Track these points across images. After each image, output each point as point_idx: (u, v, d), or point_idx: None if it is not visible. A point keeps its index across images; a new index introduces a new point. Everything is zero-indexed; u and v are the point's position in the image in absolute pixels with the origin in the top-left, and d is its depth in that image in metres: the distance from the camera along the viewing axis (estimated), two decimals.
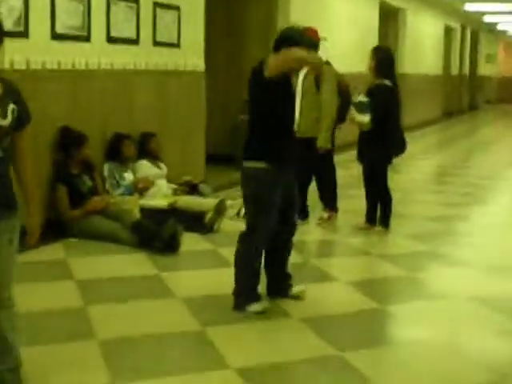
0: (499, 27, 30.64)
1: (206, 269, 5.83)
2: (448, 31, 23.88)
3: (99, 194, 6.80)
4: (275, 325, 4.60)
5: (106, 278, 5.50)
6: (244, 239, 4.79)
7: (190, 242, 6.44)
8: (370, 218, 7.13)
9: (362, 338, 4.42)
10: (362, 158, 7.02)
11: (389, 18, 17.96)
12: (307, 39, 4.74)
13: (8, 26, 5.97)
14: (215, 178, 9.13)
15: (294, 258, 5.98)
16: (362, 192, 7.19)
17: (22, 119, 3.31)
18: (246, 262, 4.79)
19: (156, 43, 8.04)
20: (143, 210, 6.85)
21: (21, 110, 3.29)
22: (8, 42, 6.05)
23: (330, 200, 7.42)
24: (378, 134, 6.73)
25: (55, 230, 6.55)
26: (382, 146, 6.80)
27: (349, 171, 10.04)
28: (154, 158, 7.71)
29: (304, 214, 7.21)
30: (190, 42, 8.71)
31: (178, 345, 4.23)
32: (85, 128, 6.83)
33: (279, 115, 4.67)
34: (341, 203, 7.54)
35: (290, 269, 5.08)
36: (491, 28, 30.95)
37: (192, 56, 8.79)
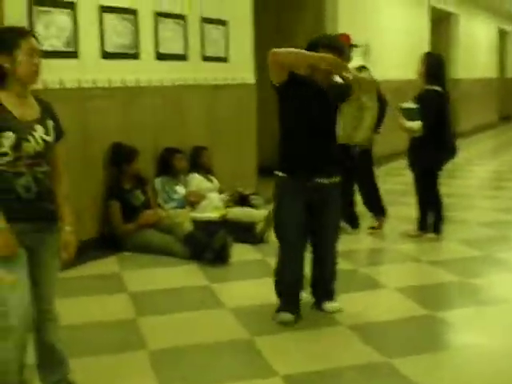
0: None
1: (255, 279, 5.88)
2: (502, 34, 23.54)
3: (151, 208, 6.92)
4: (323, 332, 4.63)
5: (157, 289, 5.60)
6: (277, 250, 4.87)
7: (240, 252, 6.51)
8: (422, 225, 7.08)
9: (410, 344, 4.41)
10: (412, 164, 6.98)
11: (440, 24, 17.81)
12: (335, 44, 4.69)
13: (58, 46, 6.18)
14: (267, 189, 9.16)
15: (343, 266, 6.01)
16: (414, 199, 7.15)
17: (58, 135, 3.42)
18: (276, 272, 4.88)
19: (205, 58, 8.15)
20: (195, 222, 6.95)
21: (56, 126, 3.39)
22: (59, 62, 6.29)
23: (375, 206, 7.38)
24: (429, 140, 6.68)
25: (109, 244, 6.72)
26: (433, 151, 6.75)
27: (400, 178, 9.99)
28: (205, 171, 7.81)
29: (355, 223, 7.23)
30: (239, 55, 8.80)
31: (226, 354, 4.27)
32: (136, 143, 6.97)
33: (289, 124, 4.68)
34: (392, 210, 7.52)
35: (333, 285, 5.05)
36: None
37: (241, 69, 8.87)
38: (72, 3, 6.32)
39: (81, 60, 6.47)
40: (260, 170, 9.42)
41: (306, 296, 5.02)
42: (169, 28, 7.55)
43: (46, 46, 6.04)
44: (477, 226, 7.86)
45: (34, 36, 3.31)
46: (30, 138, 3.21)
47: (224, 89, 8.53)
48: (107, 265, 6.33)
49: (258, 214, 7.25)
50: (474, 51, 19.82)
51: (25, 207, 3.22)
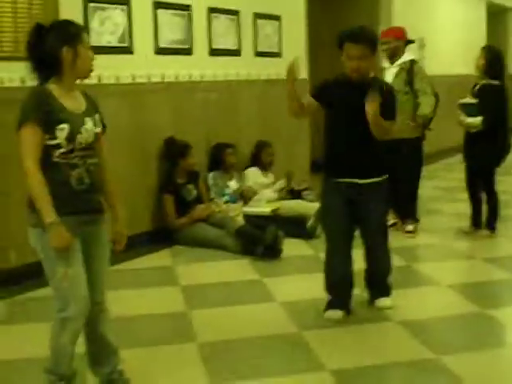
0: None
1: (306, 274, 5.87)
2: None
3: (204, 202, 6.98)
4: (373, 328, 4.61)
5: (209, 283, 5.66)
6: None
7: (291, 247, 6.52)
8: (476, 222, 7.00)
9: (460, 341, 4.37)
10: (469, 159, 6.87)
11: (497, 18, 17.52)
12: (349, 33, 4.61)
13: (113, 42, 6.28)
14: (320, 185, 9.14)
15: (396, 262, 5.95)
16: (466, 197, 7.04)
17: (103, 127, 3.51)
18: (324, 269, 4.87)
19: (257, 53, 8.19)
20: (247, 216, 6.99)
21: (101, 118, 3.46)
22: (114, 57, 6.39)
23: (412, 209, 7.18)
24: (488, 136, 6.56)
25: (163, 237, 6.79)
26: (492, 147, 6.64)
27: (455, 174, 9.86)
28: (264, 167, 7.85)
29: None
30: (292, 50, 8.77)
31: (275, 348, 4.29)
32: (189, 138, 7.04)
33: (329, 123, 4.74)
34: (449, 207, 7.44)
35: (387, 281, 5.00)
36: None
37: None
38: None
39: (135, 55, 6.57)
40: (312, 166, 9.42)
41: (358, 293, 4.99)
42: (222, 23, 7.59)
43: (102, 42, 6.15)
44: None
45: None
46: (82, 129, 3.27)
47: (277, 84, 8.52)
48: (160, 258, 6.42)
49: (309, 208, 7.23)
50: None
51: (77, 199, 3.27)
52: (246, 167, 7.77)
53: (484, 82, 6.63)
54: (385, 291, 4.97)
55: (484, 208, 6.98)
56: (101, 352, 3.59)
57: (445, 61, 13.06)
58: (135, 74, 6.58)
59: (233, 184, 7.45)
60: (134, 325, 4.66)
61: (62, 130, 3.18)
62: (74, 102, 3.30)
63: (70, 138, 3.21)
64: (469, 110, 6.60)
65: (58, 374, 3.38)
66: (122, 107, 6.49)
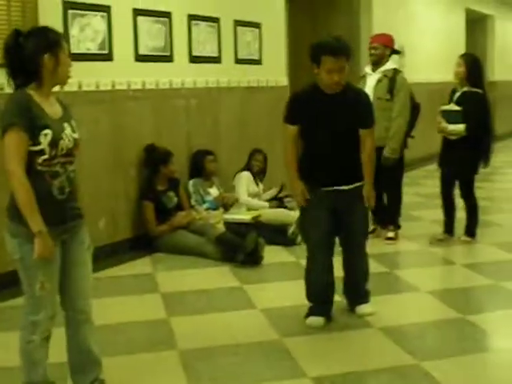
0: None
1: (287, 281, 5.88)
2: None
3: (184, 210, 6.97)
4: (354, 334, 4.61)
5: (189, 290, 5.64)
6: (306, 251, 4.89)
7: (272, 254, 6.52)
8: (449, 229, 7.02)
9: (442, 347, 4.37)
10: (447, 165, 6.86)
11: (476, 25, 17.67)
12: (329, 46, 4.51)
13: (93, 49, 6.26)
14: None
15: (377, 269, 6.01)
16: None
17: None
18: (304, 276, 4.88)
19: (238, 61, 8.19)
20: (227, 223, 6.98)
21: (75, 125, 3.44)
22: (93, 64, 6.38)
23: (394, 217, 7.16)
24: (469, 143, 6.57)
25: (143, 245, 6.77)
26: (473, 154, 6.67)
27: (434, 181, 9.87)
28: (255, 173, 7.86)
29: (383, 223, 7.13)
30: (272, 58, 8.82)
31: (256, 355, 4.27)
32: (170, 145, 7.03)
33: (309, 133, 4.67)
34: (426, 213, 7.47)
35: (365, 288, 5.01)
36: None
37: (274, 72, 8.90)
38: (107, 6, 6.39)
39: (115, 62, 6.54)
40: None
41: (339, 299, 5.01)
42: (202, 31, 7.59)
43: (81, 49, 6.13)
44: (510, 229, 7.77)
45: None
46: (63, 135, 3.25)
47: (257, 91, 8.56)
48: (141, 265, 6.40)
49: (290, 215, 7.24)
50: (511, 53, 19.60)
51: (59, 209, 3.26)
52: (238, 172, 7.75)
53: (465, 89, 6.65)
54: (365, 298, 4.98)
55: (461, 215, 7.00)
56: (83, 362, 3.56)
57: (424, 68, 13.14)
58: (115, 81, 6.57)
59: (213, 191, 7.44)
60: (114, 333, 4.64)
61: (46, 136, 3.16)
62: (52, 108, 3.28)
63: (53, 143, 3.18)
64: (452, 116, 6.60)
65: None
66: (102, 114, 6.47)
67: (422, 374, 3.97)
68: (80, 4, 6.12)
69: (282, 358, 4.21)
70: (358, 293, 4.99)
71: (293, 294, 5.43)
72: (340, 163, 4.64)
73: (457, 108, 6.62)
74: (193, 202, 7.26)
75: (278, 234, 6.99)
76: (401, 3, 12.62)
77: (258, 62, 8.56)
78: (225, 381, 3.90)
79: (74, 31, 6.07)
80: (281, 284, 5.84)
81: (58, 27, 5.70)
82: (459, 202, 7.02)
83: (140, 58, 6.83)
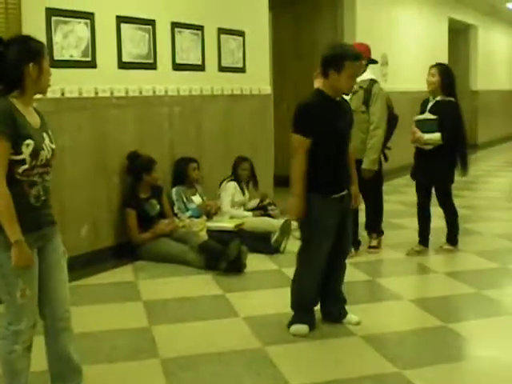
0: None
1: (270, 289, 5.89)
2: None
3: (167, 217, 6.95)
4: (337, 343, 4.61)
5: (171, 298, 5.62)
6: (300, 259, 4.83)
7: (255, 262, 6.52)
8: (424, 241, 7.01)
9: (423, 355, 4.37)
10: (423, 176, 6.85)
11: (459, 35, 17.80)
12: (352, 52, 4.63)
13: (76, 56, 6.24)
14: (283, 200, 9.16)
15: (359, 277, 6.02)
16: (434, 211, 7.06)
17: None
18: (297, 284, 4.86)
19: (221, 69, 8.20)
20: (210, 231, 6.97)
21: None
22: (76, 71, 6.36)
23: (377, 225, 7.14)
24: (444, 152, 6.62)
25: (125, 252, 6.75)
26: (449, 163, 6.73)
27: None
28: (243, 181, 7.87)
29: (356, 244, 6.84)
30: (256, 66, 8.83)
31: (238, 363, 4.26)
32: (153, 153, 7.02)
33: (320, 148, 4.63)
34: (409, 221, 7.49)
35: (345, 293, 5.02)
36: None
37: (258, 80, 8.91)
38: (90, 13, 6.38)
39: (98, 70, 6.53)
40: (276, 181, 9.44)
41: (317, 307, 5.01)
42: (186, 38, 7.60)
43: (65, 56, 6.11)
44: (494, 237, 7.82)
45: None
46: (43, 145, 3.25)
47: (240, 99, 8.57)
48: (123, 273, 6.37)
49: (273, 224, 7.25)
50: (493, 63, 19.77)
51: (35, 216, 3.25)
52: (224, 179, 7.75)
53: (438, 98, 6.69)
54: (345, 305, 4.99)
55: (440, 223, 7.01)
56: (64, 370, 3.54)
57: (407, 77, 13.21)
58: (98, 88, 6.55)
59: (196, 199, 7.43)
60: (95, 341, 4.61)
61: (28, 146, 3.15)
62: (32, 118, 3.28)
63: (34, 154, 3.18)
64: (427, 126, 6.61)
65: None
66: (85, 121, 6.45)
67: (404, 382, 3.98)
68: (63, 11, 6.11)
69: (264, 366, 4.21)
70: (344, 301, 4.99)
71: (275, 302, 5.45)
72: (345, 168, 4.74)
73: (432, 117, 6.64)
74: (176, 210, 7.24)
75: (260, 242, 7.00)
76: (384, 13, 12.70)
77: (241, 70, 8.56)
78: None
79: (57, 38, 6.05)
80: (263, 292, 5.84)
81: (41, 34, 5.74)
82: (439, 211, 7.02)
83: (123, 66, 6.81)
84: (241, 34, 8.49)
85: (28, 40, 3.30)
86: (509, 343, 4.62)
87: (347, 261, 5.02)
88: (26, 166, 3.16)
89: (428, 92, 6.84)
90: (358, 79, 6.57)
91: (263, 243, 7.00)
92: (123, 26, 6.78)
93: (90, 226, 6.58)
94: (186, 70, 7.65)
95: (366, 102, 6.65)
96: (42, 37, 5.01)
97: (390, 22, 12.98)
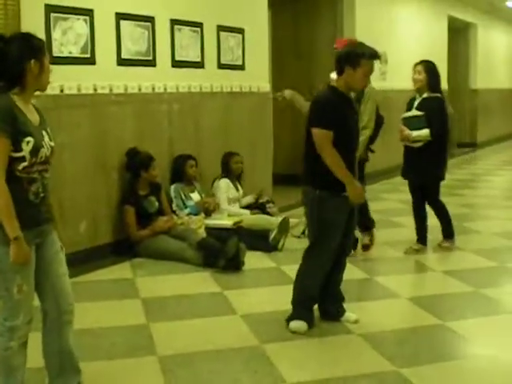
0: None
1: (268, 286, 5.90)
2: None
3: (165, 215, 6.95)
4: (334, 341, 4.61)
5: (170, 296, 5.61)
6: (308, 256, 4.81)
7: (254, 260, 6.52)
8: (422, 239, 7.01)
9: (420, 354, 4.37)
10: (415, 174, 6.82)
11: (459, 34, 17.80)
12: (369, 51, 4.67)
13: (75, 52, 6.24)
14: (282, 198, 9.19)
15: (357, 275, 6.02)
16: (427, 209, 7.05)
17: None
18: (302, 281, 4.83)
19: (220, 66, 8.20)
20: (209, 229, 6.97)
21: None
22: (76, 68, 6.36)
23: (366, 221, 6.99)
24: (434, 149, 6.59)
25: (124, 249, 6.75)
26: (438, 160, 6.70)
27: None
28: (236, 177, 7.87)
29: (354, 243, 6.69)
30: (255, 63, 8.83)
31: (236, 361, 4.26)
32: (152, 150, 7.02)
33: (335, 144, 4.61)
34: (407, 219, 7.49)
35: (343, 291, 5.02)
36: None
37: (257, 77, 8.90)
38: (89, 10, 6.38)
39: (97, 66, 6.53)
40: (275, 179, 9.45)
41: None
42: (185, 35, 7.59)
43: (64, 53, 6.11)
44: (492, 236, 7.82)
45: None
46: (43, 143, 3.25)
47: (240, 96, 8.57)
48: (121, 270, 6.37)
49: (272, 221, 7.27)
50: (493, 61, 19.77)
51: (34, 213, 3.26)
52: (216, 179, 7.75)
53: (425, 95, 6.68)
54: (343, 303, 4.99)
55: (433, 222, 7.01)
56: (65, 365, 3.54)
57: (406, 75, 13.15)
58: (97, 84, 6.55)
59: (195, 196, 7.43)
60: (93, 337, 4.61)
61: (28, 143, 3.16)
62: (32, 115, 3.29)
63: (34, 151, 3.19)
64: (415, 122, 6.59)
65: None
66: (84, 118, 6.45)
67: (402, 380, 3.98)
68: (62, 7, 6.10)
69: (262, 363, 4.21)
70: (342, 299, 4.99)
71: (273, 299, 5.45)
72: (353, 166, 4.73)
73: (419, 113, 6.63)
74: (174, 207, 7.24)
75: (259, 240, 6.99)
76: (384, 11, 12.70)
77: (240, 67, 8.56)
78: None
79: (56, 35, 6.05)
80: (261, 290, 5.84)
81: (41, 30, 5.73)
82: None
83: (122, 62, 6.81)
84: (240, 31, 8.49)
85: (29, 37, 3.31)
86: (506, 342, 4.62)
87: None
88: (25, 164, 3.16)
89: (414, 90, 6.83)
90: None
91: (261, 241, 7.00)
92: (122, 22, 6.77)
93: (89, 222, 6.58)
94: (185, 67, 7.65)
95: (358, 100, 6.60)
96: (41, 33, 5.00)
97: (389, 20, 12.98)
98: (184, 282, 6.04)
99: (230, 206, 7.64)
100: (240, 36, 8.50)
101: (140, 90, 7.05)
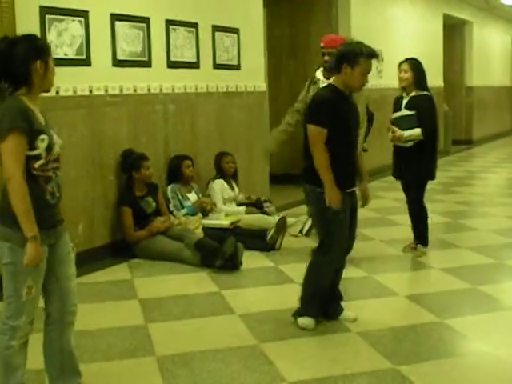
0: None
1: (265, 286, 5.90)
2: None
3: (163, 215, 6.95)
4: (333, 339, 4.62)
5: (167, 296, 5.61)
6: (317, 253, 4.81)
7: (251, 259, 6.53)
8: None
9: (419, 351, 4.38)
10: (407, 174, 6.69)
11: (454, 31, 17.82)
12: (367, 50, 4.66)
13: (70, 54, 6.24)
14: (279, 197, 9.20)
15: (355, 273, 6.03)
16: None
17: None
18: (314, 277, 4.81)
19: (216, 66, 8.19)
20: (206, 229, 6.97)
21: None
22: (71, 70, 6.35)
23: None
24: (425, 148, 6.51)
25: (121, 250, 6.75)
26: (430, 159, 6.62)
27: None
28: (230, 177, 7.86)
29: None
30: (251, 63, 8.83)
31: (235, 360, 4.26)
32: (148, 150, 7.02)
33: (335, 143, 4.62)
34: (404, 218, 7.49)
35: (341, 290, 5.03)
36: None
37: (253, 77, 8.90)
38: (84, 11, 6.37)
39: (93, 68, 6.52)
40: (272, 178, 9.46)
41: None
42: (180, 36, 7.59)
43: (59, 54, 6.10)
44: (489, 233, 7.83)
45: None
46: (55, 141, 3.30)
47: (235, 96, 8.57)
48: (119, 271, 6.37)
49: (269, 221, 7.27)
50: (488, 59, 19.80)
51: (50, 213, 3.29)
52: (210, 180, 7.75)
53: (413, 94, 6.57)
54: (341, 301, 4.99)
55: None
56: (65, 366, 3.55)
57: None
58: (93, 86, 6.54)
59: (192, 196, 7.43)
60: (92, 339, 4.61)
61: (43, 141, 3.20)
62: (39, 115, 3.31)
63: (49, 148, 3.23)
64: (406, 122, 6.49)
65: None
66: (80, 119, 6.45)
67: (400, 377, 3.98)
68: (57, 9, 6.10)
69: (260, 363, 4.21)
70: (339, 297, 5.00)
71: (271, 299, 5.46)
72: (354, 164, 4.76)
73: (409, 112, 6.52)
74: (171, 208, 7.24)
75: (256, 240, 6.99)
76: (379, 9, 12.71)
77: (236, 67, 8.56)
78: None
79: (51, 36, 6.04)
80: (259, 289, 5.84)
81: (36, 32, 5.64)
82: (429, 206, 6.97)
83: (118, 63, 6.81)
84: (235, 31, 8.48)
85: (34, 38, 3.35)
86: (505, 339, 4.63)
87: None
88: (41, 161, 3.20)
89: (400, 89, 6.73)
90: None
91: (259, 240, 7.00)
92: (117, 23, 6.77)
93: (86, 223, 6.58)
94: (181, 67, 7.64)
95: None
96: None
97: (384, 18, 12.98)
98: (182, 282, 6.04)
99: (226, 206, 7.63)
100: (235, 36, 8.50)
101: (135, 90, 7.05)
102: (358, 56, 4.55)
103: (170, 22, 7.43)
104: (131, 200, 6.80)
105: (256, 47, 9.00)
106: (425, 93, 6.58)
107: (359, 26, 11.29)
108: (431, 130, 6.51)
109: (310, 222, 7.16)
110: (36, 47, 3.26)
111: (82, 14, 6.36)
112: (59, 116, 6.13)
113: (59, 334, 3.49)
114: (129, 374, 4.09)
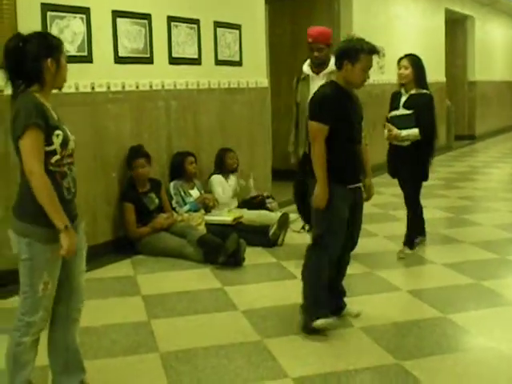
0: None
1: (268, 282, 5.90)
2: None
3: (166, 211, 6.95)
4: (336, 334, 4.61)
5: (171, 292, 5.62)
6: (312, 253, 4.77)
7: (254, 255, 6.53)
8: (421, 230, 6.95)
9: (422, 346, 4.38)
10: (402, 171, 6.61)
11: (456, 26, 17.79)
12: (368, 46, 4.65)
13: (72, 51, 6.23)
14: (281, 193, 9.17)
15: (358, 269, 6.02)
16: (427, 204, 7.00)
17: None
18: (313, 275, 4.74)
19: (218, 62, 8.19)
20: (209, 225, 6.97)
21: None
22: (73, 67, 6.32)
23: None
24: (421, 147, 6.38)
25: (124, 246, 6.75)
26: (426, 158, 6.50)
27: None
28: (231, 173, 7.87)
29: None
30: (253, 59, 8.82)
31: (238, 356, 4.27)
32: (150, 147, 7.03)
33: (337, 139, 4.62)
34: (405, 213, 7.48)
35: (344, 285, 5.01)
36: None
37: (255, 73, 8.90)
38: (86, 8, 6.37)
39: (95, 64, 6.52)
40: (274, 174, 9.45)
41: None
42: (182, 32, 7.59)
43: None
44: (492, 228, 7.82)
45: None
46: (69, 136, 3.32)
47: (237, 93, 8.56)
48: (122, 268, 6.38)
49: (271, 217, 7.27)
50: (491, 54, 19.77)
51: (67, 210, 3.29)
52: (211, 175, 7.76)
53: (413, 91, 6.41)
54: (344, 297, 4.99)
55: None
56: (69, 362, 3.56)
57: None
58: (95, 82, 6.54)
59: (194, 193, 7.43)
60: (95, 335, 4.62)
61: (58, 136, 3.23)
62: (53, 111, 3.33)
63: (64, 144, 3.26)
64: (404, 121, 6.33)
65: None
66: (82, 116, 6.44)
67: (403, 372, 3.99)
68: (59, 6, 6.10)
69: (263, 358, 4.21)
70: (343, 293, 4.99)
71: (274, 294, 5.46)
72: (359, 159, 4.76)
73: (407, 112, 6.35)
74: (174, 204, 7.25)
75: (259, 236, 7.00)
76: (381, 5, 12.69)
77: (238, 63, 8.56)
78: (206, 382, 3.90)
79: (52, 33, 5.98)
80: (262, 285, 5.84)
81: (37, 29, 5.66)
82: (428, 202, 6.91)
83: (119, 60, 6.81)
84: (237, 27, 8.48)
85: (46, 35, 3.39)
86: (508, 334, 4.63)
87: None
88: (57, 157, 3.23)
89: (398, 85, 6.56)
90: (327, 70, 6.26)
91: (261, 236, 7.00)
92: (119, 20, 6.77)
93: (89, 220, 6.56)
94: (183, 63, 7.64)
95: None
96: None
97: (386, 13, 12.96)
98: (185, 278, 6.05)
99: (225, 197, 7.64)
100: (237, 32, 8.49)
101: (137, 87, 7.05)
102: (358, 52, 4.54)
103: (171, 19, 7.42)
104: (134, 196, 6.80)
105: (258, 43, 8.99)
106: (425, 91, 6.41)
107: (361, 23, 11.27)
108: (430, 130, 6.38)
109: None
110: (47, 45, 3.28)
111: (84, 11, 6.36)
112: (61, 113, 6.07)
113: (65, 329, 3.51)
114: (132, 370, 4.09)
